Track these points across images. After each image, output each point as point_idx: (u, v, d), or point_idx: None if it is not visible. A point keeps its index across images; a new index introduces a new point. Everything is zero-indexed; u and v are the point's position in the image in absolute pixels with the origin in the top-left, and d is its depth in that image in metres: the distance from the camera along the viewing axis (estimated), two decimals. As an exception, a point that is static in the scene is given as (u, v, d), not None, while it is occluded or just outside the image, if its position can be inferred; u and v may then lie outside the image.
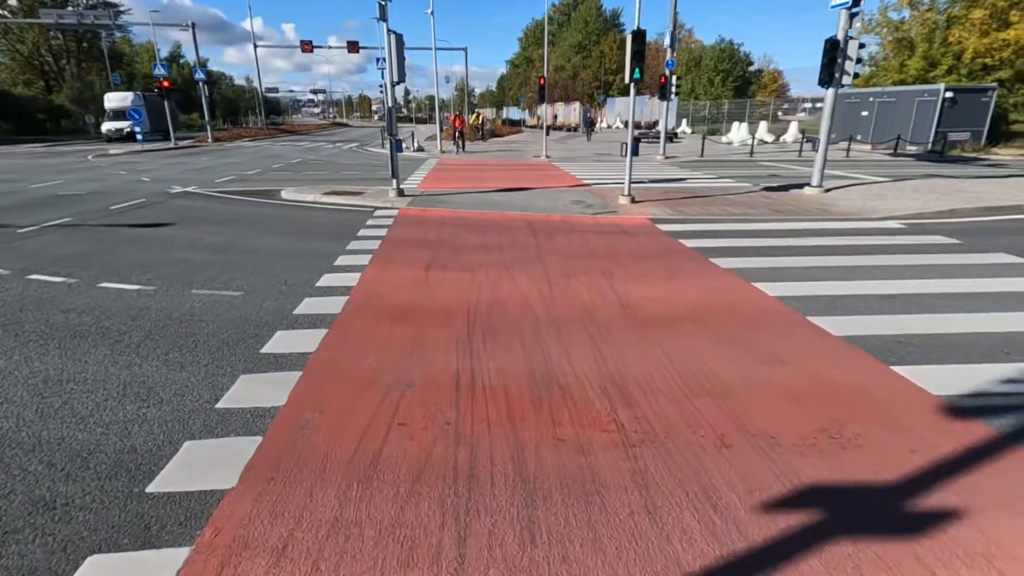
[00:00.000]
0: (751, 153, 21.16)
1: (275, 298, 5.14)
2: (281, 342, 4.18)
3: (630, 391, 3.44)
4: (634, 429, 3.05)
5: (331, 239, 7.51)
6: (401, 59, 10.36)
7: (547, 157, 20.85)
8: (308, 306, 4.94)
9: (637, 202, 10.42)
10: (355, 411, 3.22)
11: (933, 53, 24.91)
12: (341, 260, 6.45)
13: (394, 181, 10.99)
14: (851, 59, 10.53)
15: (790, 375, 3.67)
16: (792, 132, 29.48)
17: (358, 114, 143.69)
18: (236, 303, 5.02)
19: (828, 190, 11.47)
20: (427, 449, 2.87)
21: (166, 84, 26.09)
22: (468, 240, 7.52)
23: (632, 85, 9.70)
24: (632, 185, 10.51)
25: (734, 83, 47.97)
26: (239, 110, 73.55)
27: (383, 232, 7.95)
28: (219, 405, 3.31)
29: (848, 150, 21.51)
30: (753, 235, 7.80)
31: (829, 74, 10.63)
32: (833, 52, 10.49)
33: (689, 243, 7.31)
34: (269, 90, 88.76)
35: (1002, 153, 22.12)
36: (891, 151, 22.80)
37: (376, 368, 3.73)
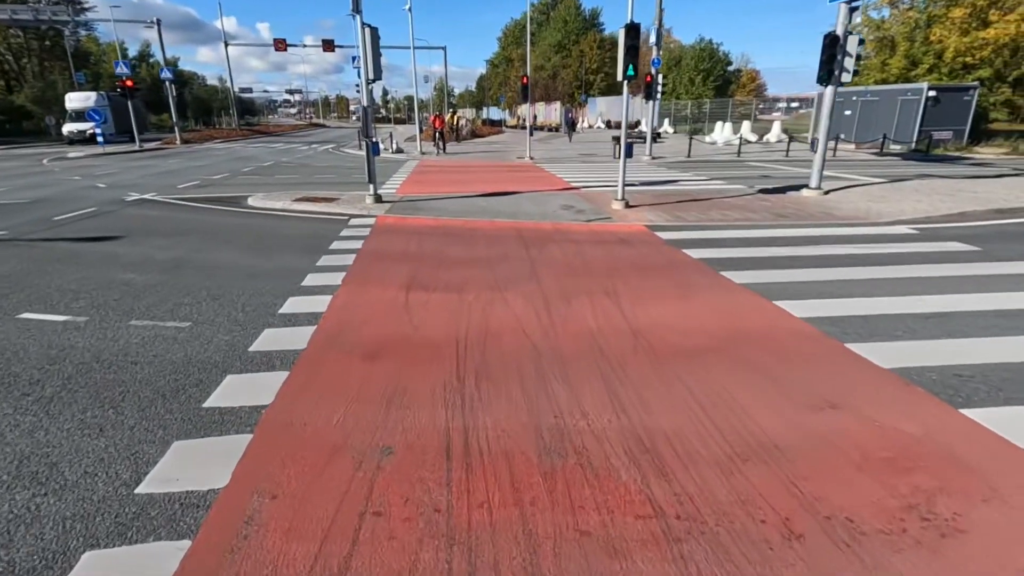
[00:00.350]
0: (738, 153, 20.81)
1: (229, 330, 4.38)
2: (230, 391, 3.43)
3: (662, 454, 2.79)
4: (675, 513, 2.39)
5: (300, 253, 6.73)
6: (377, 55, 9.61)
7: (531, 158, 20.21)
8: (267, 340, 4.19)
9: (632, 207, 9.83)
10: (317, 494, 2.51)
11: (915, 52, 24.92)
12: (310, 279, 5.69)
13: (371, 186, 10.22)
14: (850, 55, 10.09)
15: (848, 426, 3.06)
16: (775, 132, 29.33)
17: (336, 114, 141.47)
18: (181, 337, 4.25)
19: (827, 192, 11.03)
20: (411, 554, 2.18)
21: (129, 83, 24.80)
22: (453, 253, 6.82)
23: (625, 84, 9.09)
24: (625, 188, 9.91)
25: (714, 83, 48.00)
26: (212, 111, 71.50)
27: (358, 244, 7.19)
28: (140, 489, 2.56)
29: (835, 150, 21.28)
30: (760, 243, 7.24)
31: (828, 71, 10.17)
32: (832, 48, 10.04)
33: (694, 253, 6.72)
34: (243, 90, 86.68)
35: (984, 152, 22.15)
36: (876, 150, 22.68)
37: (345, 428, 3.02)
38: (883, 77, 25.95)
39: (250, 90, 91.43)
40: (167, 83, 29.44)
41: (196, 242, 7.39)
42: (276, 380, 3.55)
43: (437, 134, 23.20)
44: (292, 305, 4.94)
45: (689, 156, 20.21)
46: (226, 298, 5.12)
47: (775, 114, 57.79)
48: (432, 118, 23.92)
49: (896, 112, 23.59)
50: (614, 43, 60.95)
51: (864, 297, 5.12)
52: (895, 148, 22.82)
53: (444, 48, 38.47)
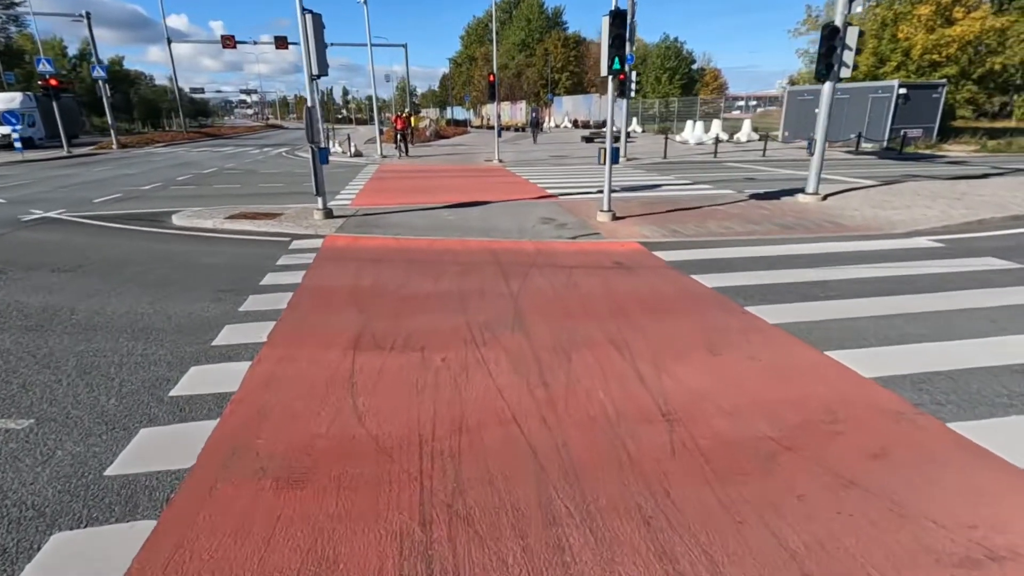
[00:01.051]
0: (715, 154, 20.07)
1: (85, 433, 3.00)
2: (53, 572, 2.09)
3: None
4: None
5: (220, 293, 5.33)
6: (322, 46, 8.21)
7: (500, 161, 18.99)
8: (139, 451, 2.84)
9: (620, 219, 8.72)
10: None
11: (883, 49, 24.79)
12: (225, 335, 4.32)
13: (319, 199, 8.80)
14: (850, 48, 9.24)
15: (1043, 607, 1.94)
16: (746, 130, 28.95)
17: (295, 115, 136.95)
18: (6, 451, 2.85)
19: (825, 197, 10.18)
20: None
21: (53, 82, 22.41)
22: (415, 287, 5.53)
23: (610, 79, 7.97)
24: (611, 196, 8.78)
25: (680, 81, 47.81)
26: (160, 112, 67.58)
27: (297, 278, 5.82)
28: None
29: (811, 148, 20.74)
30: (775, 264, 6.20)
31: (827, 65, 9.31)
32: (832, 40, 9.17)
33: (706, 280, 5.61)
34: (195, 90, 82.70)
35: (954, 149, 22.09)
36: (851, 149, 22.35)
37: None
38: (852, 75, 25.75)
39: (202, 90, 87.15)
40: (100, 82, 26.95)
41: (88, 280, 5.86)
42: (137, 540, 2.22)
43: (399, 136, 21.72)
44: (192, 381, 3.58)
45: (665, 157, 19.35)
46: (99, 372, 3.72)
47: (735, 112, 58.14)
48: (394, 118, 22.41)
49: (867, 110, 23.36)
50: (579, 41, 60.41)
51: (930, 342, 4.09)
52: (867, 147, 22.55)
53: (405, 45, 36.78)
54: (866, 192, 10.93)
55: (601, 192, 11.53)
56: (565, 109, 53.79)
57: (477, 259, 6.52)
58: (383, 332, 4.36)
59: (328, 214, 8.87)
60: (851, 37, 9.14)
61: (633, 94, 19.45)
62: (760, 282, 5.56)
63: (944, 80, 22.58)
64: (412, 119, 28.61)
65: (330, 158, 22.15)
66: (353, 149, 22.05)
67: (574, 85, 58.01)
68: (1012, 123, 31.85)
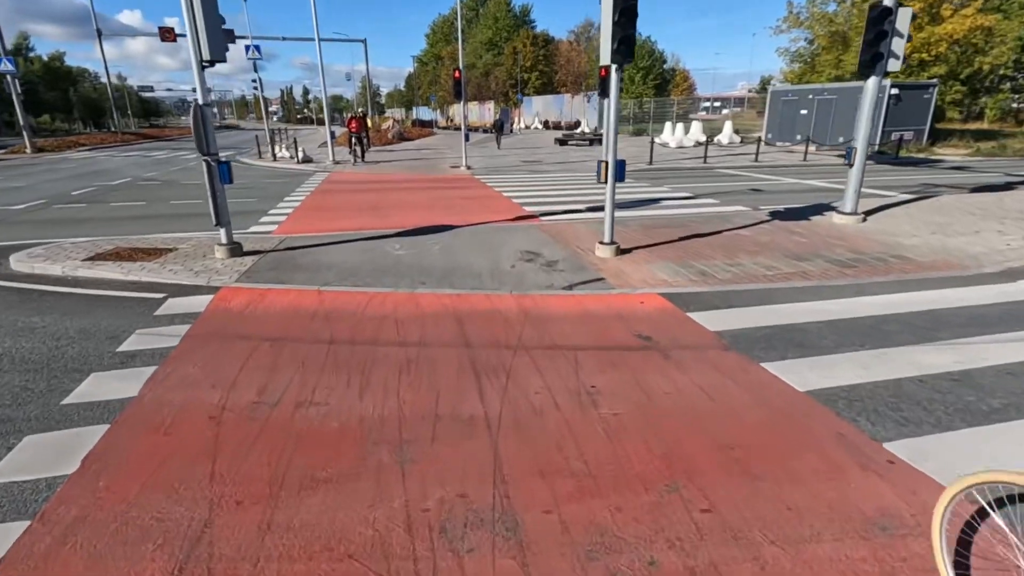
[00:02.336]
0: (704, 159, 18.34)
1: None
2: None
3: None
4: None
5: (-25, 431, 3.02)
6: (215, 22, 5.91)
7: (468, 168, 16.80)
8: None
9: (623, 252, 6.68)
10: None
11: (869, 48, 23.58)
12: None
13: (221, 231, 6.48)
14: (900, 35, 7.43)
15: None
16: (727, 132, 27.49)
17: (254, 115, 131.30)
18: None
19: (865, 218, 8.38)
20: None
21: (-58, 77, 19.15)
22: (321, 410, 3.33)
23: (613, 70, 5.93)
24: (599, 216, 6.71)
25: (654, 81, 46.46)
26: (104, 112, 62.75)
27: (134, 386, 3.53)
28: None
29: (805, 153, 19.30)
30: (869, 334, 4.24)
31: (874, 55, 7.48)
32: (881, 23, 7.34)
33: (790, 374, 3.59)
34: (143, 88, 77.79)
35: (947, 153, 20.99)
36: (843, 153, 20.99)
37: None
38: (838, 74, 24.54)
39: (151, 88, 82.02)
40: (8, 78, 23.54)
41: None
42: None
43: (354, 139, 19.27)
44: None
45: (651, 163, 17.50)
46: None
47: (700, 113, 57.09)
48: (348, 119, 19.92)
49: (857, 111, 22.10)
50: (548, 40, 58.60)
51: None
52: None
53: (364, 41, 34.28)
54: (906, 210, 9.20)
55: (591, 211, 9.56)
56: (535, 110, 51.86)
57: (432, 333, 4.35)
58: (233, 555, 2.16)
59: (234, 251, 6.55)
60: (902, 20, 7.35)
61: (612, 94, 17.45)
62: (868, 374, 3.57)
63: (936, 80, 21.47)
64: (368, 120, 26.13)
65: (275, 164, 19.59)
66: (301, 154, 19.50)
67: (544, 85, 56.16)
68: (984, 124, 31.39)
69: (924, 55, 22.36)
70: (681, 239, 7.40)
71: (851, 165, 8.26)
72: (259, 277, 5.79)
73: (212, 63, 5.96)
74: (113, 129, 46.20)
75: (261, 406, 3.28)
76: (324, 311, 4.84)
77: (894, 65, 7.64)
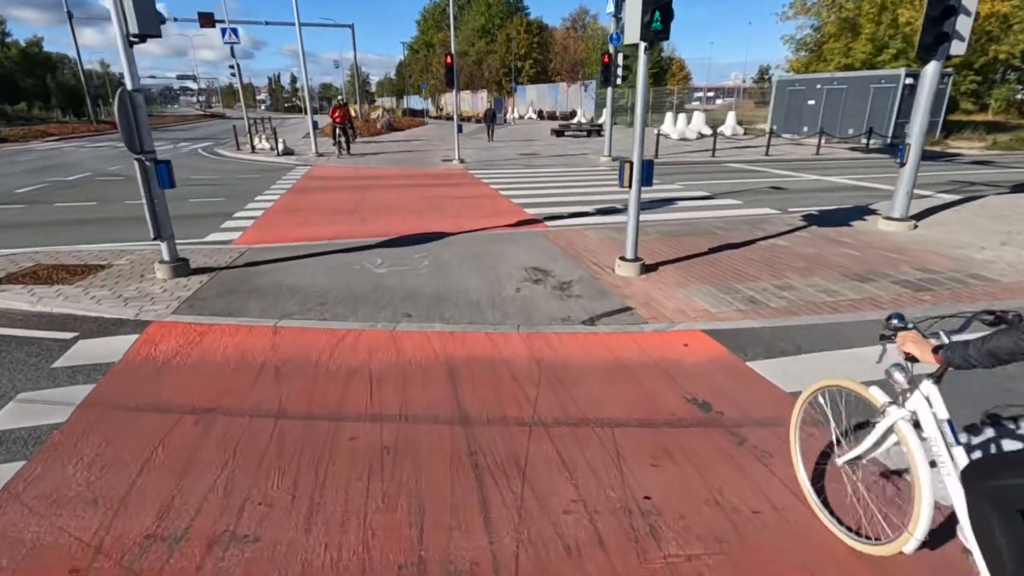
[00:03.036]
0: (713, 151, 17.27)
1: None
2: None
3: None
4: None
5: None
6: (145, -13, 4.71)
7: (461, 161, 15.64)
8: None
9: (648, 270, 5.59)
10: None
11: (881, 35, 22.53)
12: None
13: (162, 246, 5.32)
14: (968, 13, 6.36)
15: None
16: (730, 123, 26.45)
17: (241, 103, 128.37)
18: None
19: (916, 224, 7.35)
20: None
21: None
22: (264, 531, 2.23)
23: (641, 49, 4.81)
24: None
25: (652, 70, 45.12)
26: (83, 100, 60.55)
27: (-25, 502, 2.42)
28: None
29: (818, 146, 18.26)
30: (982, 393, 3.20)
31: (938, 35, 6.40)
32: (947, 0, 6.26)
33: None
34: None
35: (962, 146, 20.07)
36: (856, 147, 20.01)
37: None
38: (848, 63, 23.47)
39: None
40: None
41: None
42: None
43: (338, 130, 17.99)
44: None
45: (657, 156, 16.39)
46: None
47: (694, 103, 55.85)
48: (332, 109, 18.60)
49: (868, 102, 21.05)
50: (542, 27, 57.03)
51: None
52: (872, 143, 20.26)
53: (351, 26, 32.72)
54: (958, 214, 8.18)
55: (600, 213, 8.45)
56: (529, 99, 50.50)
57: (418, 399, 3.25)
58: None
59: (179, 269, 5.39)
60: (971, -3, 6.27)
61: (620, 81, 16.33)
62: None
63: (950, 69, 20.47)
64: (353, 109, 24.79)
65: (253, 156, 18.21)
66: (282, 146, 18.19)
67: (538, 74, 54.73)
68: (989, 116, 30.53)
69: (939, 43, 21.30)
70: (711, 251, 6.33)
71: (903, 164, 7.19)
72: (203, 307, 4.65)
73: (142, 38, 4.77)
74: (87, 118, 44.29)
75: (156, 543, 2.18)
76: (276, 361, 3.71)
77: (958, 48, 6.57)
